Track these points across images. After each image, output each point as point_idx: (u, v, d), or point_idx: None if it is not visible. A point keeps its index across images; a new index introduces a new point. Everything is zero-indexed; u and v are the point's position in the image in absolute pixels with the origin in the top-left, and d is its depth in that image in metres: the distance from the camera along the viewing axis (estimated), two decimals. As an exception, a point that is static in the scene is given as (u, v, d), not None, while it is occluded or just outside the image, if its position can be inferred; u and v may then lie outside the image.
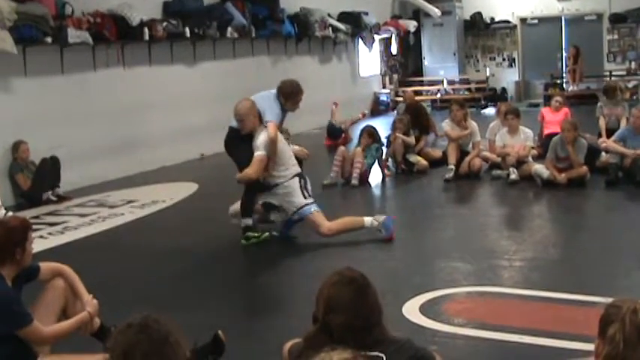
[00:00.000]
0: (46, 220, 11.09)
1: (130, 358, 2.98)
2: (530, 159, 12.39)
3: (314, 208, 9.17)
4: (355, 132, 15.66)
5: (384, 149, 13.52)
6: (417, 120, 14.51)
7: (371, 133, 13.23)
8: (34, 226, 5.54)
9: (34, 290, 5.37)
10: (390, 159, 13.63)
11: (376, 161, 13.13)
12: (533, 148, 12.68)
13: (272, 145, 9.00)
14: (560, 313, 6.49)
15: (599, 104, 15.13)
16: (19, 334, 4.86)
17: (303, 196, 9.13)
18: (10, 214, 10.48)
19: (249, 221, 9.31)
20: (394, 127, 13.80)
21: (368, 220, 9.26)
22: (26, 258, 5.08)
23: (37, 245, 5.36)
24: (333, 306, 3.47)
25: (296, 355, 3.71)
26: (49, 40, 12.90)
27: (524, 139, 12.48)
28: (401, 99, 20.83)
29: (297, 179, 9.17)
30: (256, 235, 9.33)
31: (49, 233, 10.31)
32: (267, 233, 9.41)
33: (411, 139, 13.65)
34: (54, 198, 12.31)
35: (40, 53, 12.95)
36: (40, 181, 12.29)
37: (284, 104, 9.52)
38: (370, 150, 12.99)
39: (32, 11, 12.50)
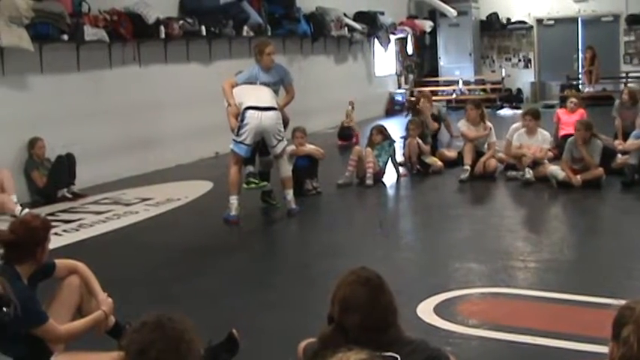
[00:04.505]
0: (61, 217, 11.11)
1: (145, 357, 2.98)
2: (545, 160, 12.35)
3: (231, 145, 10.43)
4: (365, 131, 15.64)
5: (397, 147, 13.50)
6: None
7: (380, 130, 13.20)
8: (49, 223, 5.56)
9: (49, 287, 5.38)
10: (405, 161, 13.60)
11: (390, 158, 13.11)
12: (549, 150, 12.63)
13: (223, 93, 10.57)
14: (575, 315, 6.47)
15: (616, 102, 15.10)
16: (34, 332, 4.87)
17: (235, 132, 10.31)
18: (26, 210, 10.53)
19: (250, 168, 10.75)
20: (408, 129, 13.79)
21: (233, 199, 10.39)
22: (44, 257, 5.11)
23: (52, 242, 5.35)
24: (348, 306, 3.46)
25: (311, 355, 3.70)
26: (65, 37, 12.93)
27: (541, 141, 12.44)
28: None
29: (244, 112, 10.21)
30: (256, 181, 10.68)
31: (64, 230, 10.33)
32: (265, 182, 10.94)
33: (427, 147, 13.62)
34: (69, 195, 12.34)
35: (56, 51, 12.98)
36: (55, 178, 12.32)
37: (259, 62, 10.75)
38: (383, 147, 12.96)
39: (49, 9, 12.53)
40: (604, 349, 3.34)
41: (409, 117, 15.05)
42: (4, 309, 3.70)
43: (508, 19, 27.57)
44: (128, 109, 14.48)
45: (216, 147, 15.75)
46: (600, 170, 11.67)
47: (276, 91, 10.71)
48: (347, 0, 22.36)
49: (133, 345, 3.03)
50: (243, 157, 10.43)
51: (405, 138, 13.91)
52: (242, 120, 10.15)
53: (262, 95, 10.34)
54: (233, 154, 10.44)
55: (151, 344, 2.98)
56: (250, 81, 10.58)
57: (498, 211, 11.07)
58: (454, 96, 26.09)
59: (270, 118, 10.21)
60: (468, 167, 12.72)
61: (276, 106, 10.39)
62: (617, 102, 15.20)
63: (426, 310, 6.53)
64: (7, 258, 5.01)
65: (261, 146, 10.69)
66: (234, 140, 10.32)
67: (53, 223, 9.59)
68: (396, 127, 16.54)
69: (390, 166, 13.13)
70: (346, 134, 17.87)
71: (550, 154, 12.69)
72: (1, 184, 11.20)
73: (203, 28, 16.01)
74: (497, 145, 13.19)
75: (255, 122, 10.12)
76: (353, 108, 18.33)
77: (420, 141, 13.44)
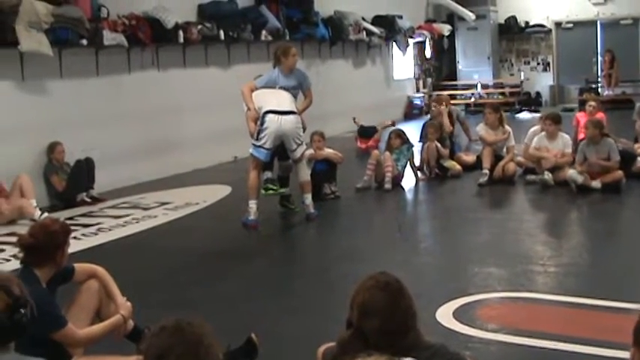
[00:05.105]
0: (80, 222, 11.14)
1: (163, 362, 2.98)
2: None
3: (251, 149, 10.35)
4: (384, 136, 15.65)
5: (415, 151, 13.48)
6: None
7: (399, 135, 13.20)
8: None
9: (68, 291, 5.39)
10: (423, 165, 13.56)
11: (408, 162, 13.10)
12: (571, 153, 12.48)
13: (243, 98, 10.50)
14: (595, 319, 6.44)
15: (637, 105, 15.02)
16: (53, 336, 4.88)
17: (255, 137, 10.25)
18: (46, 215, 10.57)
19: (269, 174, 10.80)
20: (425, 133, 13.77)
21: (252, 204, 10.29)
22: (64, 261, 5.12)
23: (71, 246, 5.37)
24: (367, 311, 3.44)
25: (330, 360, 3.69)
26: (84, 42, 12.99)
27: (562, 145, 12.35)
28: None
29: (264, 116, 10.17)
30: (274, 187, 10.74)
31: (83, 234, 10.36)
32: (284, 189, 11.02)
33: (446, 151, 13.59)
34: (88, 199, 12.37)
35: (75, 55, 13.03)
36: (74, 183, 12.36)
37: (279, 67, 10.69)
38: (402, 151, 12.95)
39: (68, 14, 12.58)
40: (624, 355, 3.32)
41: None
42: (22, 310, 3.70)
43: (527, 23, 27.49)
44: (147, 114, 14.52)
45: (234, 151, 15.77)
46: (620, 173, 11.61)
47: (294, 96, 10.68)
48: (365, 4, 22.36)
49: (152, 349, 3.02)
50: (263, 161, 10.42)
51: (422, 141, 13.88)
52: (262, 124, 10.13)
53: (282, 99, 10.33)
54: (252, 158, 10.41)
55: (170, 349, 2.98)
56: (269, 85, 10.53)
57: (517, 215, 11.03)
58: (472, 100, 26.05)
59: (290, 122, 10.20)
60: (486, 171, 12.67)
61: (295, 110, 10.39)
62: (637, 105, 15.12)
63: (445, 315, 6.51)
64: (26, 262, 5.03)
65: (280, 151, 10.67)
66: (253, 144, 10.28)
67: (72, 228, 9.66)
68: (414, 131, 16.53)
69: (408, 170, 13.11)
70: (368, 133, 17.68)
71: (571, 158, 12.57)
72: (21, 189, 11.25)
73: (221, 32, 16.06)
74: (516, 148, 13.15)
75: (275, 126, 10.10)
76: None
77: (438, 145, 13.41)
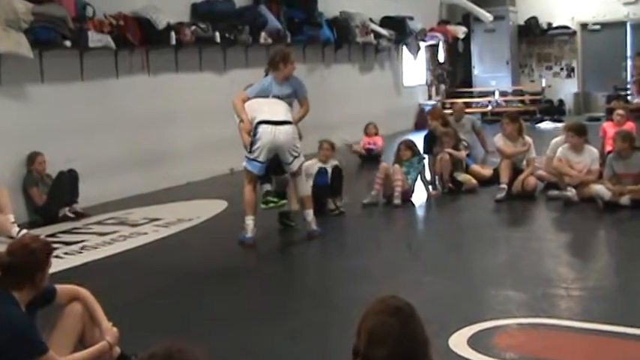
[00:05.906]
0: (63, 239, 11.13)
1: (153, 391, 2.98)
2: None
3: (244, 163, 10.43)
4: (391, 147, 15.64)
5: (426, 163, 13.44)
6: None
7: (409, 146, 13.15)
8: (49, 245, 5.57)
9: (49, 314, 5.39)
10: (436, 177, 13.55)
11: (419, 175, 13.09)
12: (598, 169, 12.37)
13: (234, 109, 10.57)
14: (623, 349, 6.43)
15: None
16: (33, 363, 4.88)
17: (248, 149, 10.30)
18: (25, 231, 10.55)
19: (268, 186, 10.65)
20: (430, 142, 13.75)
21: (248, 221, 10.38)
22: (44, 282, 5.12)
23: (53, 265, 5.36)
24: (376, 338, 3.43)
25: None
26: (68, 43, 12.98)
27: (589, 160, 12.25)
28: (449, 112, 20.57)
29: (257, 127, 10.18)
30: (275, 200, 10.57)
31: (66, 253, 10.34)
32: (284, 200, 10.88)
33: (461, 154, 13.57)
34: (71, 214, 12.35)
35: (58, 58, 13.04)
36: (56, 196, 12.34)
37: (274, 73, 10.67)
38: (412, 163, 12.93)
39: (50, 12, 12.57)
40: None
41: None
42: None
43: (549, 24, 27.53)
44: (136, 122, 14.52)
45: (230, 163, 15.76)
46: (650, 188, 11.60)
47: (289, 104, 10.68)
48: (373, 4, 22.40)
49: (140, 379, 3.03)
50: (257, 174, 10.43)
51: (427, 154, 13.74)
52: (254, 135, 10.13)
53: (276, 108, 10.33)
54: (246, 172, 10.44)
55: (160, 378, 2.98)
56: (262, 94, 10.53)
57: (538, 234, 11.01)
58: (490, 108, 26.07)
59: (285, 133, 10.18)
60: (504, 186, 12.65)
61: (291, 119, 10.38)
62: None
63: (459, 342, 6.49)
64: (4, 283, 5.02)
65: (274, 164, 10.65)
66: (247, 157, 10.31)
67: (54, 245, 9.64)
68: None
69: (419, 184, 13.09)
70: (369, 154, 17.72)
71: (598, 174, 12.44)
72: (-2, 203, 11.24)
73: (217, 34, 16.07)
74: (537, 161, 13.13)
75: (269, 137, 10.09)
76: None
77: (454, 152, 13.36)
